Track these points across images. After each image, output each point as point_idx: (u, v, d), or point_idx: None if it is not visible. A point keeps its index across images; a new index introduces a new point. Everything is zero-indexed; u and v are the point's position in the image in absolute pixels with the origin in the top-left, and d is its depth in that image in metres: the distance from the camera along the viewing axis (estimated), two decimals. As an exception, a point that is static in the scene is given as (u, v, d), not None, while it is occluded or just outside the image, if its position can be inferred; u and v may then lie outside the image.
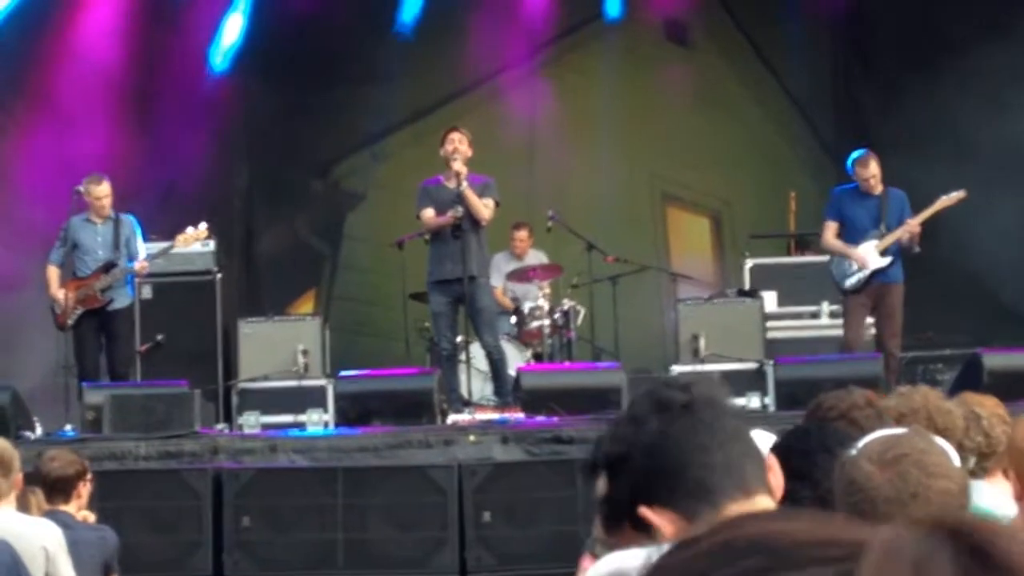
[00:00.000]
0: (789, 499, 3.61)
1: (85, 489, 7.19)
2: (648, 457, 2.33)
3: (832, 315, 13.05)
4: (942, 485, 2.82)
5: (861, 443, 2.92)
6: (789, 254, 15.00)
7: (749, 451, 2.35)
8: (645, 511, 2.32)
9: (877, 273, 11.91)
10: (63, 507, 7.03)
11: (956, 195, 11.98)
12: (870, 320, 12.26)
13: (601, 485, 2.41)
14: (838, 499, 2.74)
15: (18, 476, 6.57)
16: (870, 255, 11.91)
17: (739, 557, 1.45)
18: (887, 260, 11.88)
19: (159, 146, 15.68)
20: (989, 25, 14.66)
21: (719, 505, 2.27)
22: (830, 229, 12.13)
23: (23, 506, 6.77)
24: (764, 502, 2.29)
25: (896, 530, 1.35)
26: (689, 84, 16.53)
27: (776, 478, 2.39)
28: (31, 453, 7.90)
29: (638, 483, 2.34)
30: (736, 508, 2.24)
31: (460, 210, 11.79)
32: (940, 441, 3.00)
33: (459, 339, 12.23)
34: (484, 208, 11.85)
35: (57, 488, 7.06)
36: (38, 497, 6.99)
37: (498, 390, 12.19)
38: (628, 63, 16.69)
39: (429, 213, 12.02)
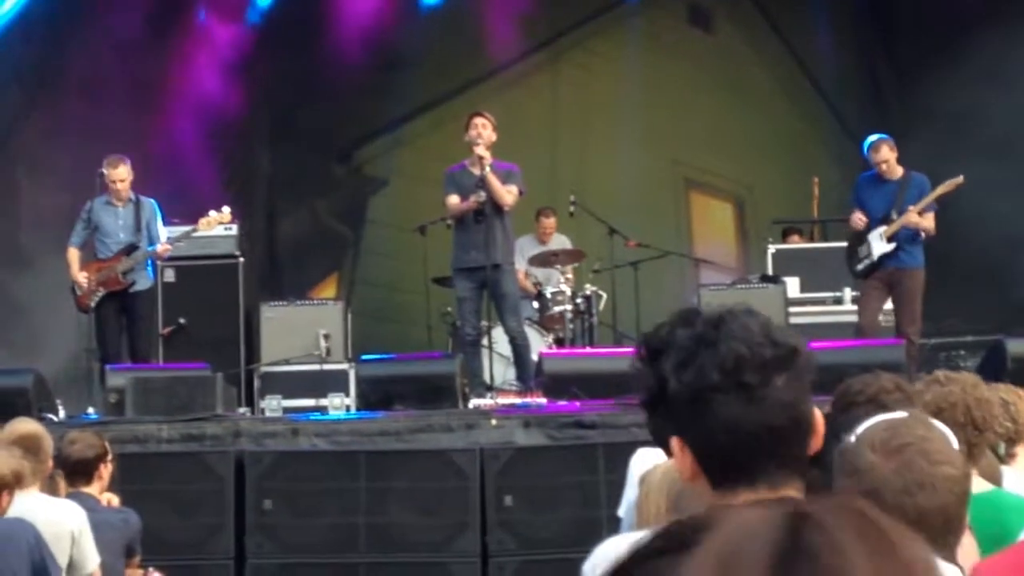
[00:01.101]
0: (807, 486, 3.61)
1: (106, 471, 7.20)
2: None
3: (855, 301, 13.02)
4: (946, 472, 2.81)
5: (860, 429, 2.91)
6: (812, 240, 14.97)
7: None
8: (676, 442, 2.29)
9: (887, 258, 11.88)
10: (85, 489, 7.05)
11: (954, 181, 11.91)
12: (889, 306, 12.23)
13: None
14: (839, 485, 2.73)
15: (49, 461, 6.60)
16: (875, 241, 11.90)
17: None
18: (891, 246, 11.84)
19: (181, 130, 15.71)
20: (1016, 10, 14.60)
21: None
22: (855, 215, 12.12)
23: (51, 489, 6.81)
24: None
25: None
26: (712, 69, 16.51)
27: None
28: (54, 436, 7.91)
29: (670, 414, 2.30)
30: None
31: (483, 195, 11.78)
32: (939, 425, 2.99)
33: (483, 323, 12.23)
34: (507, 194, 11.83)
35: (78, 470, 7.08)
36: (55, 481, 7.01)
37: (520, 375, 12.19)
38: (651, 48, 16.67)
39: (453, 200, 12.01)
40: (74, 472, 7.07)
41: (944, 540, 2.81)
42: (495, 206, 11.83)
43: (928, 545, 1.39)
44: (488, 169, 11.73)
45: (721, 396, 2.22)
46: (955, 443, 2.96)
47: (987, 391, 4.51)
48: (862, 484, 2.78)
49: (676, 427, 2.28)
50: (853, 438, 2.88)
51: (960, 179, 11.87)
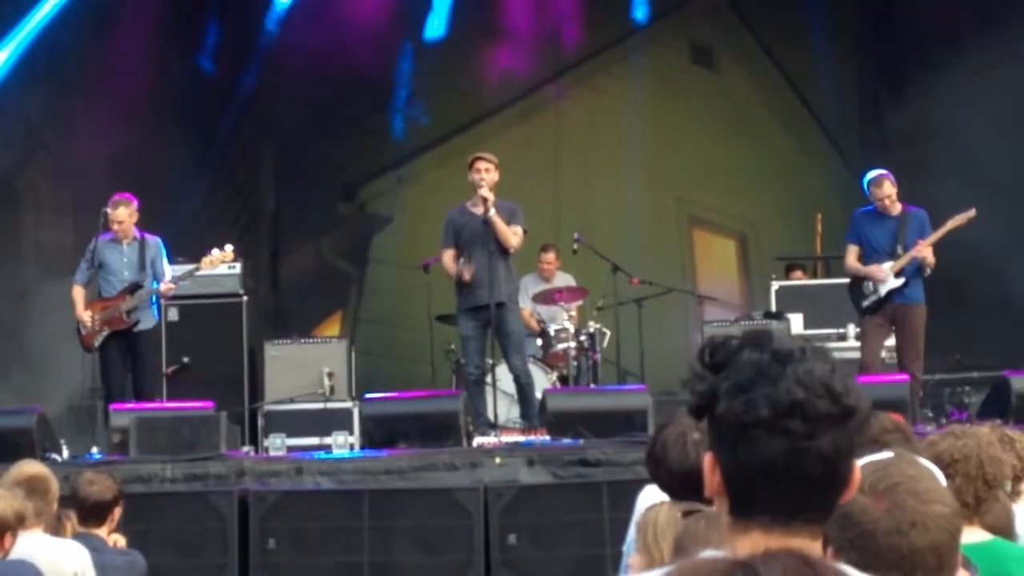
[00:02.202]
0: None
1: (118, 513, 7.21)
2: None
3: (858, 337, 13.01)
4: (937, 510, 2.81)
5: None
6: (815, 276, 14.99)
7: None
8: (709, 456, 2.29)
9: (893, 294, 11.87)
10: (95, 531, 7.04)
11: (966, 215, 11.91)
12: (891, 342, 12.21)
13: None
14: (828, 530, 2.73)
15: (55, 503, 6.60)
16: (885, 278, 11.88)
17: None
18: (900, 281, 11.84)
19: (186, 169, 15.75)
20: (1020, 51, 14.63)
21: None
22: (851, 253, 12.12)
23: (56, 529, 6.79)
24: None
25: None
26: (715, 107, 16.55)
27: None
28: (58, 476, 7.90)
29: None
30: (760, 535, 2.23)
31: (471, 269, 11.78)
32: (924, 463, 2.99)
33: (488, 361, 12.21)
34: (513, 236, 11.84)
35: (94, 512, 7.08)
36: (72, 521, 7.00)
37: (525, 414, 12.17)
38: (654, 86, 16.71)
39: (448, 257, 12.02)
40: (90, 514, 7.07)
41: None
42: (498, 245, 11.83)
43: None
44: (492, 212, 11.74)
45: (764, 434, 2.20)
46: (942, 480, 2.96)
47: (1000, 451, 4.50)
48: (855, 528, 2.77)
49: (714, 443, 2.27)
50: None
51: (972, 212, 11.87)
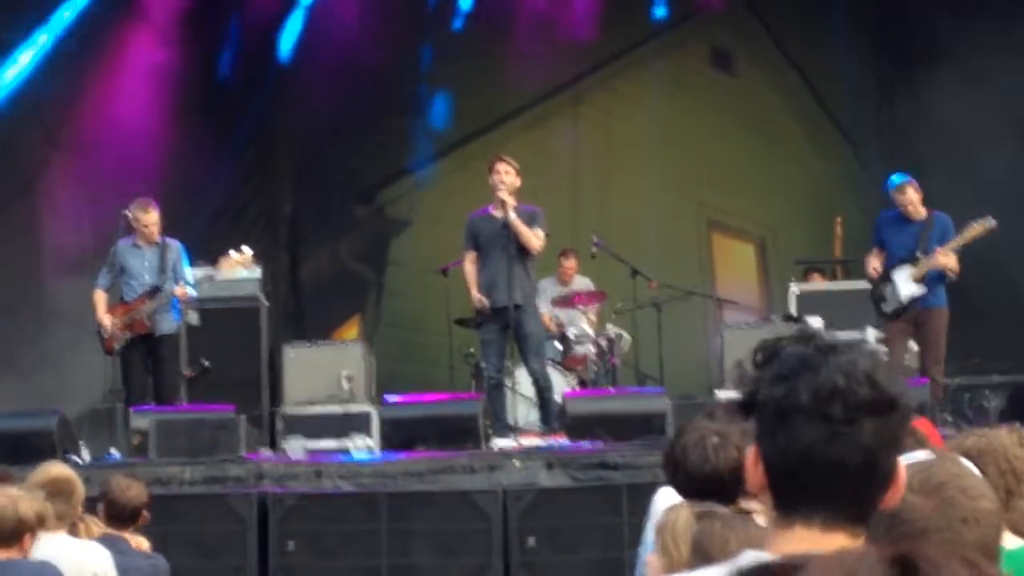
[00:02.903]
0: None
1: (145, 515, 7.28)
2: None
3: (878, 340, 12.97)
4: (985, 505, 2.84)
5: None
6: (835, 280, 14.97)
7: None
8: (751, 451, 2.29)
9: (915, 299, 11.85)
10: (123, 533, 7.09)
11: (987, 224, 11.87)
12: (915, 347, 12.19)
13: None
14: (875, 531, 2.73)
15: (80, 506, 6.63)
16: (903, 283, 11.86)
17: None
18: (919, 290, 11.81)
19: (204, 173, 15.79)
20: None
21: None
22: (873, 256, 12.11)
23: (72, 531, 6.82)
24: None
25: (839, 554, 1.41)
26: (734, 110, 16.54)
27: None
28: (79, 478, 7.93)
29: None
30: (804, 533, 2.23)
31: (486, 304, 11.84)
32: (964, 461, 3.01)
33: (506, 363, 12.22)
34: (534, 238, 11.85)
35: (127, 516, 7.14)
36: (87, 523, 7.03)
37: (544, 417, 12.17)
38: (673, 90, 16.71)
39: (468, 259, 12.05)
40: (121, 517, 7.13)
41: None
42: (520, 249, 11.84)
43: None
44: (512, 215, 11.74)
45: (803, 419, 2.20)
46: (980, 476, 2.98)
47: (1018, 450, 4.50)
48: (904, 526, 2.78)
49: (757, 437, 2.27)
50: None
51: (993, 222, 11.83)
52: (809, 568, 1.37)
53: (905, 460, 2.93)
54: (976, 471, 2.99)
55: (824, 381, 2.21)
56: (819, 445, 2.20)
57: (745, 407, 2.29)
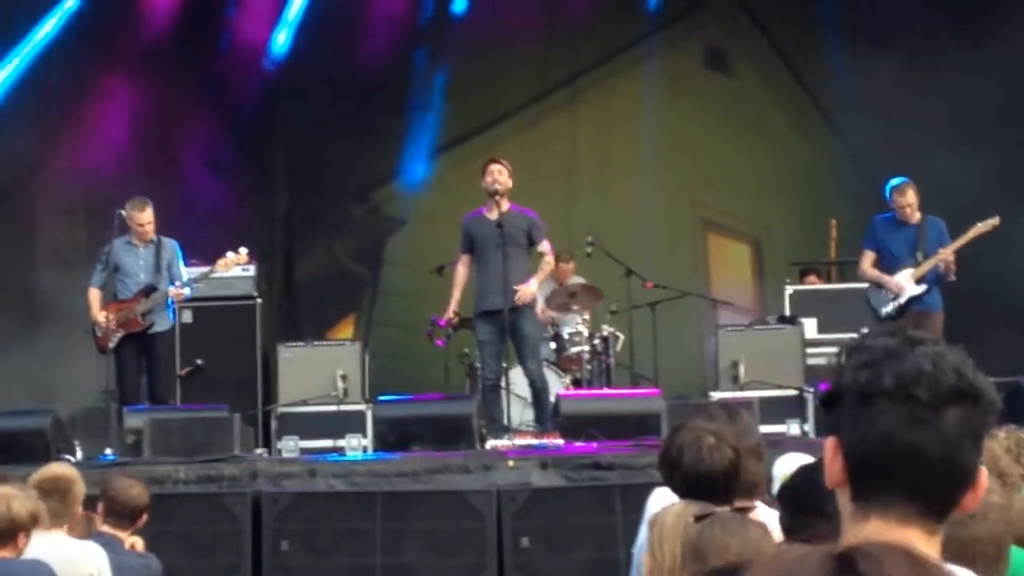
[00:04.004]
0: (807, 533, 3.60)
1: (145, 517, 7.30)
2: None
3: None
4: (994, 500, 2.82)
5: None
6: (829, 281, 14.97)
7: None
8: (830, 442, 2.25)
9: (913, 301, 11.86)
10: (120, 533, 7.10)
11: (990, 222, 11.90)
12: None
13: None
14: None
15: (77, 505, 6.63)
16: (905, 283, 11.87)
17: None
18: (922, 288, 11.83)
19: (200, 171, 15.78)
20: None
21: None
22: (867, 258, 12.12)
23: (87, 530, 6.84)
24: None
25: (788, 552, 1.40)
26: (729, 110, 16.54)
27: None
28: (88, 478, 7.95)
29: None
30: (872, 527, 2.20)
31: (454, 320, 12.10)
32: None
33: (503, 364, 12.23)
34: (547, 266, 12.13)
35: (129, 516, 7.16)
36: (80, 521, 7.03)
37: (539, 418, 12.17)
38: (668, 90, 16.70)
39: (461, 261, 12.09)
40: (123, 516, 7.15)
41: (995, 568, 2.81)
42: (517, 250, 11.86)
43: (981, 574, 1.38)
44: (528, 299, 11.87)
45: (886, 403, 2.17)
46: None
47: (1008, 460, 4.50)
48: None
49: (837, 426, 2.24)
50: None
51: (996, 220, 11.86)
52: (754, 569, 1.36)
53: None
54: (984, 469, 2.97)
55: (910, 367, 2.18)
56: (900, 430, 2.17)
57: (829, 399, 2.26)
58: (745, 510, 3.97)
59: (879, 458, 2.18)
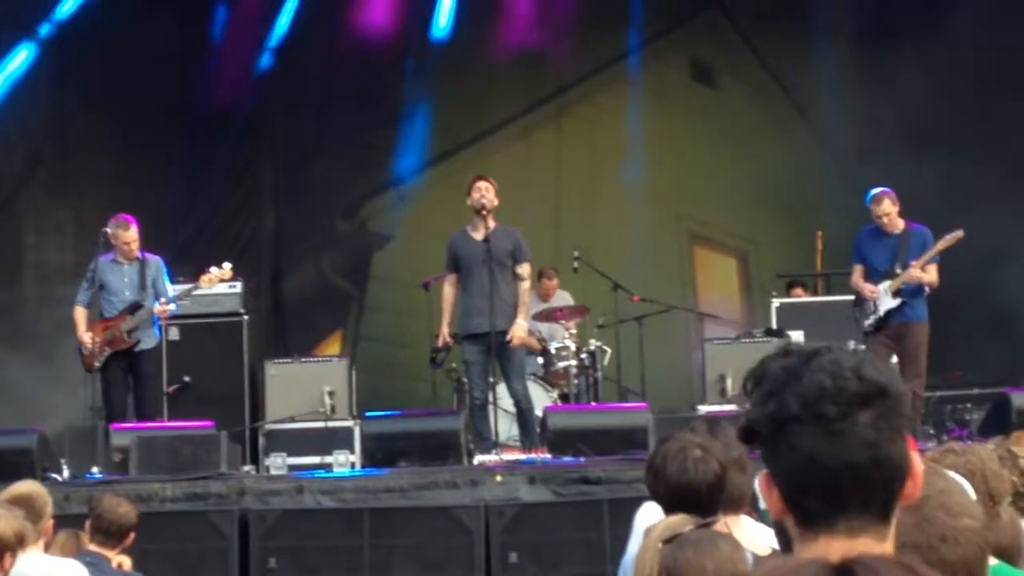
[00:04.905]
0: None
1: (132, 536, 7.27)
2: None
3: (859, 354, 12.97)
4: (967, 524, 2.79)
5: None
6: (816, 293, 14.99)
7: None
8: (762, 478, 2.25)
9: (893, 313, 11.87)
10: (107, 552, 7.07)
11: (954, 235, 11.90)
12: (896, 361, 12.20)
13: None
14: None
15: (48, 521, 6.58)
16: (882, 295, 11.88)
17: None
18: (897, 301, 11.83)
19: (186, 188, 15.77)
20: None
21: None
22: (856, 271, 12.13)
23: (63, 547, 6.81)
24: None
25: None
26: (715, 124, 16.55)
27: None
28: (59, 495, 7.93)
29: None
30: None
31: (449, 342, 11.95)
32: (955, 476, 2.96)
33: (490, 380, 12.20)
34: (525, 294, 12.01)
35: (117, 534, 7.13)
36: (59, 540, 6.99)
37: (524, 438, 12.14)
38: (654, 103, 16.71)
39: (448, 281, 12.07)
40: (110, 534, 7.11)
41: None
42: (503, 273, 11.85)
43: None
44: (517, 342, 11.86)
45: (799, 427, 2.17)
46: (972, 493, 2.94)
47: (999, 466, 4.48)
48: None
49: (764, 460, 2.24)
50: None
51: (960, 233, 11.87)
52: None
53: None
54: (967, 486, 2.95)
55: (811, 385, 2.18)
56: (821, 449, 2.17)
57: (746, 434, 2.27)
58: (709, 524, 3.97)
59: (810, 481, 2.18)
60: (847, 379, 2.18)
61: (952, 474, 2.97)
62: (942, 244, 11.89)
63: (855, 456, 2.17)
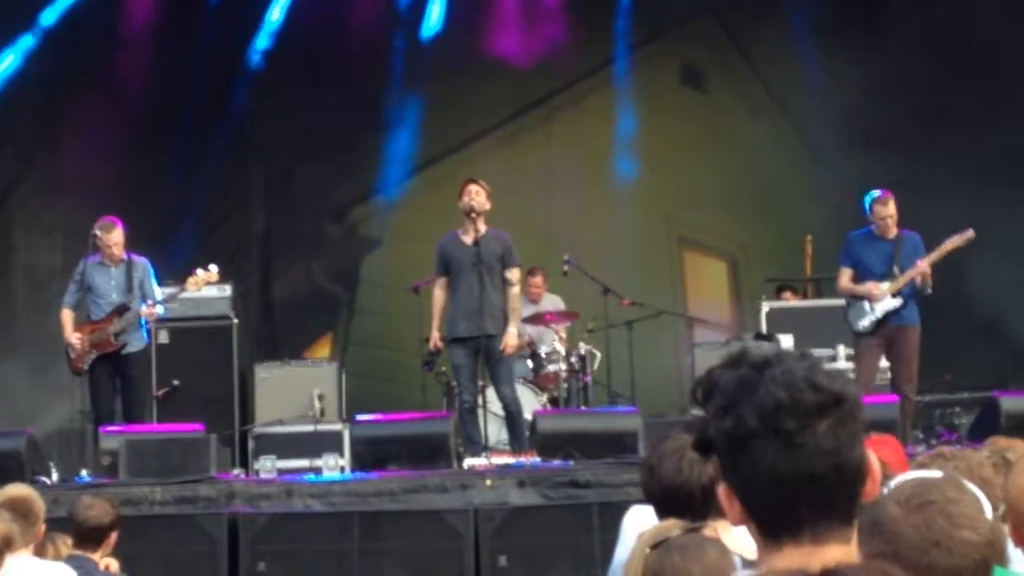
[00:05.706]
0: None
1: (114, 537, 7.22)
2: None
3: (849, 358, 13.00)
4: (966, 536, 2.77)
5: (893, 483, 2.88)
6: (805, 297, 15.00)
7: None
8: (722, 490, 2.26)
9: (890, 315, 11.86)
10: (90, 554, 7.04)
11: (965, 235, 11.92)
12: (885, 363, 12.20)
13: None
14: (860, 537, 2.71)
15: (41, 525, 6.57)
16: (881, 296, 11.87)
17: None
18: (898, 302, 11.83)
19: (176, 191, 15.75)
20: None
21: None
22: (844, 275, 12.11)
23: (39, 551, 6.77)
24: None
25: None
26: (704, 128, 16.56)
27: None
28: (47, 499, 7.89)
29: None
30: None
31: (440, 346, 11.95)
32: (973, 489, 2.94)
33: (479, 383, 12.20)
34: (515, 300, 11.98)
35: (92, 536, 7.09)
36: (55, 543, 6.98)
37: (513, 442, 12.14)
38: (644, 107, 16.71)
39: (439, 287, 12.06)
40: (87, 537, 7.08)
41: None
42: (492, 277, 11.85)
43: None
44: (510, 350, 11.86)
45: (759, 442, 2.18)
46: (988, 511, 2.91)
47: (993, 473, 4.46)
48: (881, 535, 2.75)
49: (722, 473, 2.25)
50: (885, 490, 2.85)
51: (971, 233, 11.88)
52: None
53: (914, 475, 2.91)
54: (984, 501, 2.92)
55: (767, 400, 2.18)
56: (782, 462, 2.18)
57: (702, 448, 2.27)
58: (698, 529, 3.96)
59: (772, 493, 2.19)
60: (803, 391, 2.19)
61: (972, 488, 2.95)
62: (951, 244, 11.90)
63: (816, 466, 2.18)
